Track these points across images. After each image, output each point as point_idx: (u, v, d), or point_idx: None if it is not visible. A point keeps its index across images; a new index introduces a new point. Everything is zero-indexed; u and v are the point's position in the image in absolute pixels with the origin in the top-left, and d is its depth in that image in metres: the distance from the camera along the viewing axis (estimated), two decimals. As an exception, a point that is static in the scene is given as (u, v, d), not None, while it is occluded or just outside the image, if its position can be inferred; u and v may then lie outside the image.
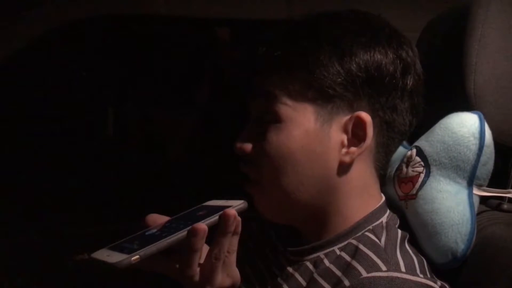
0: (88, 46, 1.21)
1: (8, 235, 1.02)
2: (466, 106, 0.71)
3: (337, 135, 0.65)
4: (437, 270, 0.67)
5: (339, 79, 0.63)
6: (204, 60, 1.30)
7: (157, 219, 0.58)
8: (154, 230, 0.55)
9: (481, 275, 0.65)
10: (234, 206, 0.55)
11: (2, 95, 1.10)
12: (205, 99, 1.34)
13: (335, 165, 0.65)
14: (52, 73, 1.20)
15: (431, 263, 0.67)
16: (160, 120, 1.33)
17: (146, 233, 0.55)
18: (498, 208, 0.74)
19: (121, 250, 0.52)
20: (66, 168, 1.20)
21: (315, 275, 0.65)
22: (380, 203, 0.69)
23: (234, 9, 1.07)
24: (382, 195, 0.71)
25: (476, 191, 0.69)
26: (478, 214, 0.70)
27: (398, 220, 0.70)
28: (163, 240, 0.52)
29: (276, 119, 0.64)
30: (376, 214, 0.67)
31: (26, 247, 1.04)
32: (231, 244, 0.55)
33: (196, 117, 1.35)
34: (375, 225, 0.66)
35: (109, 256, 0.51)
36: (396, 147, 0.70)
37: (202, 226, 0.53)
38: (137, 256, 0.50)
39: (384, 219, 0.68)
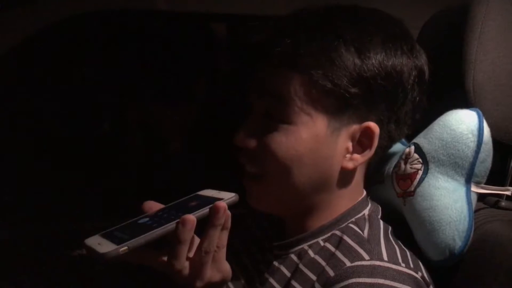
0: (87, 42, 1.21)
1: (5, 232, 1.03)
2: (465, 103, 0.71)
3: (344, 141, 0.65)
4: (434, 267, 0.67)
5: (359, 91, 0.62)
6: (203, 55, 1.30)
7: (153, 206, 0.58)
8: (147, 219, 0.56)
9: (479, 272, 0.66)
10: (225, 199, 0.56)
11: (1, 93, 1.10)
12: (204, 94, 1.34)
13: (337, 169, 0.66)
14: (51, 70, 1.20)
15: (428, 260, 0.68)
16: (159, 115, 1.33)
17: (139, 222, 0.56)
18: (496, 205, 0.74)
19: (112, 239, 0.53)
20: (65, 163, 1.20)
21: (300, 266, 0.66)
22: (362, 197, 0.70)
23: (233, 4, 1.07)
24: (364, 190, 0.72)
25: (474, 189, 0.69)
26: (475, 211, 0.70)
27: (380, 212, 0.71)
28: (152, 232, 0.53)
29: (288, 121, 0.64)
30: (358, 207, 0.69)
31: (24, 244, 1.04)
32: (221, 239, 0.56)
33: (195, 112, 1.35)
34: (358, 218, 0.68)
35: (100, 244, 0.52)
36: (387, 151, 0.72)
37: (191, 217, 0.53)
38: (125, 247, 0.51)
39: (366, 211, 0.69)
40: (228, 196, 0.57)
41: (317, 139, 0.64)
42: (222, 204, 0.54)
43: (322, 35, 0.63)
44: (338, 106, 0.63)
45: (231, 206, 0.56)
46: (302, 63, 0.62)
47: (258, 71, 0.66)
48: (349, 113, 0.64)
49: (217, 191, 0.60)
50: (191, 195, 0.61)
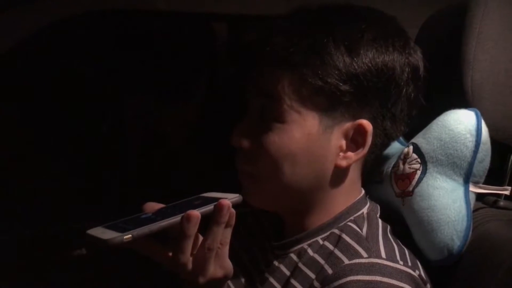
0: (86, 42, 1.21)
1: (5, 232, 1.03)
2: (463, 103, 0.71)
3: (337, 139, 0.65)
4: (433, 267, 0.67)
5: (350, 89, 0.62)
6: (202, 55, 1.30)
7: (155, 207, 0.59)
8: (150, 214, 0.57)
9: (477, 272, 0.66)
10: (229, 198, 0.57)
11: (1, 92, 1.10)
12: (204, 93, 1.34)
13: (331, 167, 0.66)
14: (50, 70, 1.20)
15: (427, 260, 0.68)
16: (159, 115, 1.33)
17: (142, 217, 0.57)
18: (494, 205, 0.74)
19: (115, 229, 0.53)
20: (65, 163, 1.20)
21: (300, 264, 0.66)
22: (360, 195, 0.71)
23: (232, 4, 1.07)
24: (362, 189, 0.72)
25: (472, 188, 0.70)
26: (474, 211, 0.70)
27: (379, 211, 0.71)
28: (156, 223, 0.54)
29: (280, 120, 0.64)
30: (357, 205, 0.69)
31: (24, 244, 1.05)
32: (224, 236, 0.56)
33: (194, 111, 1.35)
34: (357, 216, 0.68)
35: (103, 233, 0.53)
36: (385, 149, 0.72)
37: (195, 213, 0.54)
38: (130, 235, 0.52)
39: (365, 210, 0.69)
40: (232, 196, 0.58)
41: (309, 138, 0.64)
42: (226, 202, 0.55)
43: (313, 33, 0.63)
44: (329, 104, 0.63)
45: (234, 206, 0.56)
46: (292, 62, 0.62)
47: (252, 71, 0.67)
48: (341, 110, 0.64)
49: (220, 193, 0.60)
50: (194, 196, 0.62)
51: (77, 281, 1.02)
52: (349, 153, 0.66)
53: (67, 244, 1.03)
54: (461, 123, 0.68)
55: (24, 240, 1.04)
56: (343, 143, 0.65)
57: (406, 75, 0.65)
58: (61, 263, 1.03)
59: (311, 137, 0.64)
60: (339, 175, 0.67)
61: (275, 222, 0.75)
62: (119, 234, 0.51)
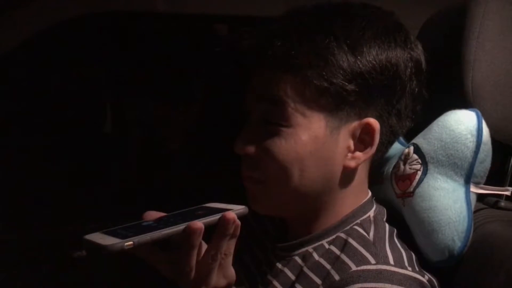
0: (87, 43, 1.21)
1: (6, 232, 1.03)
2: (464, 103, 0.71)
3: (344, 140, 0.64)
4: (433, 268, 0.67)
5: (355, 88, 0.62)
6: (202, 57, 1.30)
7: (155, 216, 0.57)
8: (151, 222, 0.55)
9: (478, 273, 0.65)
10: (234, 210, 0.55)
11: (1, 93, 1.10)
12: (204, 96, 1.34)
13: (339, 168, 0.65)
14: (50, 70, 1.21)
15: (428, 261, 0.68)
16: (160, 117, 1.33)
17: (143, 224, 0.55)
18: (495, 205, 0.74)
19: (115, 235, 0.51)
20: (65, 164, 1.20)
21: (305, 269, 0.65)
22: (367, 198, 0.70)
23: (232, 5, 1.07)
24: (369, 190, 0.71)
25: (473, 189, 0.69)
26: (475, 211, 0.70)
27: (386, 214, 0.70)
28: (158, 231, 0.52)
29: (285, 124, 0.63)
30: (363, 208, 0.68)
31: (24, 244, 1.05)
32: (228, 246, 0.55)
33: (196, 114, 1.35)
34: (363, 219, 0.67)
35: (102, 239, 0.51)
36: (390, 147, 0.71)
37: (199, 224, 0.52)
38: (131, 242, 0.49)
39: (371, 213, 0.68)
40: (237, 208, 0.56)
41: (316, 140, 0.63)
42: (232, 215, 0.54)
43: (313, 34, 0.62)
44: (335, 104, 0.62)
45: (239, 217, 0.55)
46: (295, 65, 0.61)
47: (253, 76, 0.66)
48: (347, 110, 0.63)
49: (225, 204, 0.58)
50: (197, 206, 0.60)
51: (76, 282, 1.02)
52: (358, 153, 0.65)
53: (67, 245, 1.03)
54: (462, 124, 0.68)
55: (25, 240, 1.04)
56: (351, 143, 0.65)
57: (409, 70, 0.65)
58: (61, 264, 1.02)
59: (318, 139, 0.63)
60: (348, 176, 0.66)
61: (278, 223, 0.74)
62: (120, 240, 0.49)
